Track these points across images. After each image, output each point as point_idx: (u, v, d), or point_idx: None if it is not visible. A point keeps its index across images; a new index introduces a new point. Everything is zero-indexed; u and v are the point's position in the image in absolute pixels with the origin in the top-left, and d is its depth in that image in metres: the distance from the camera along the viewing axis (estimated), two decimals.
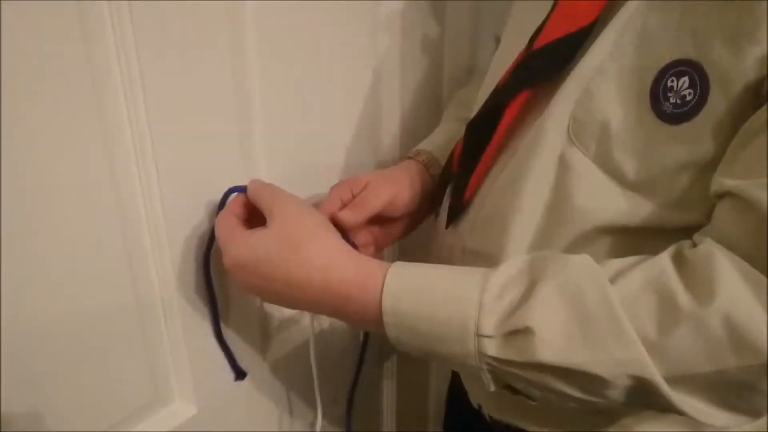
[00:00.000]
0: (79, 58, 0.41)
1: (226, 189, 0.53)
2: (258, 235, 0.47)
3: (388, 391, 0.94)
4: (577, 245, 0.46)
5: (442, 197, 0.59)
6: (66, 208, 0.44)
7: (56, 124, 0.42)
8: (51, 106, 0.41)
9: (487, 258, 0.50)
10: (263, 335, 0.66)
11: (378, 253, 0.63)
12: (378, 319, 0.43)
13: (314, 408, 0.77)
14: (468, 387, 0.61)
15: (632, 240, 0.44)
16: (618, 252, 0.42)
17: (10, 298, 0.42)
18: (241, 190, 0.53)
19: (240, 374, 0.57)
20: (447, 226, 0.56)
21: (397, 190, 0.58)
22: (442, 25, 0.77)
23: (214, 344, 0.59)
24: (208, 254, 0.53)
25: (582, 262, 0.40)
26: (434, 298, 0.41)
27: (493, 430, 0.58)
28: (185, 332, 0.56)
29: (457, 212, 0.54)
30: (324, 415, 0.79)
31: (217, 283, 0.55)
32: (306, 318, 0.70)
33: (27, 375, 0.45)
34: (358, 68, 0.66)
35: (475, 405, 0.60)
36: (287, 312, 0.69)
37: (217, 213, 0.52)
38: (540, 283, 0.39)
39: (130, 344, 0.52)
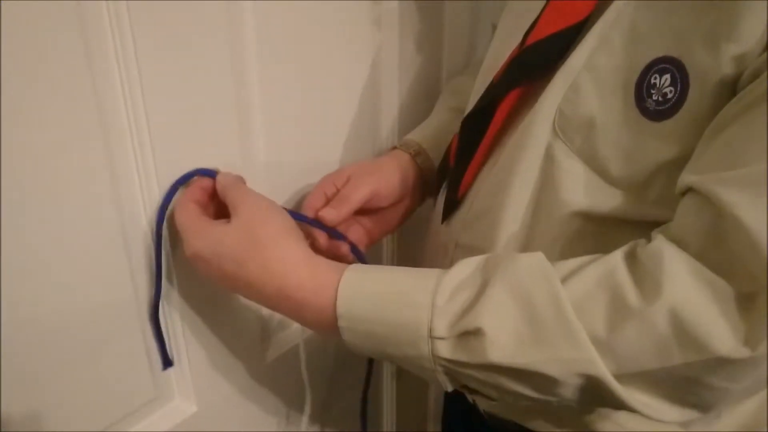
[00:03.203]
0: (78, 58, 0.42)
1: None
2: (222, 230, 0.46)
3: (388, 391, 0.94)
4: (563, 239, 0.46)
5: (439, 192, 0.59)
6: (65, 206, 0.44)
7: (56, 123, 0.42)
8: (50, 106, 0.41)
9: (479, 253, 0.50)
10: (263, 333, 0.67)
11: (373, 245, 0.62)
12: (334, 324, 0.43)
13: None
14: None
15: (617, 234, 0.44)
16: (603, 246, 0.42)
17: (9, 297, 0.43)
18: (208, 174, 0.51)
19: (167, 363, 0.56)
20: (443, 222, 0.56)
21: (379, 179, 0.58)
22: (440, 20, 0.77)
23: (214, 341, 0.60)
24: (160, 229, 0.51)
25: (533, 261, 0.40)
26: (388, 302, 0.41)
27: (490, 425, 0.58)
28: (185, 329, 0.56)
29: (451, 207, 0.55)
30: (324, 414, 0.79)
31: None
32: None
33: (26, 373, 0.46)
34: (357, 63, 0.66)
35: (470, 400, 0.60)
36: None
37: (174, 186, 0.50)
38: (491, 284, 0.39)
39: (129, 342, 0.53)
